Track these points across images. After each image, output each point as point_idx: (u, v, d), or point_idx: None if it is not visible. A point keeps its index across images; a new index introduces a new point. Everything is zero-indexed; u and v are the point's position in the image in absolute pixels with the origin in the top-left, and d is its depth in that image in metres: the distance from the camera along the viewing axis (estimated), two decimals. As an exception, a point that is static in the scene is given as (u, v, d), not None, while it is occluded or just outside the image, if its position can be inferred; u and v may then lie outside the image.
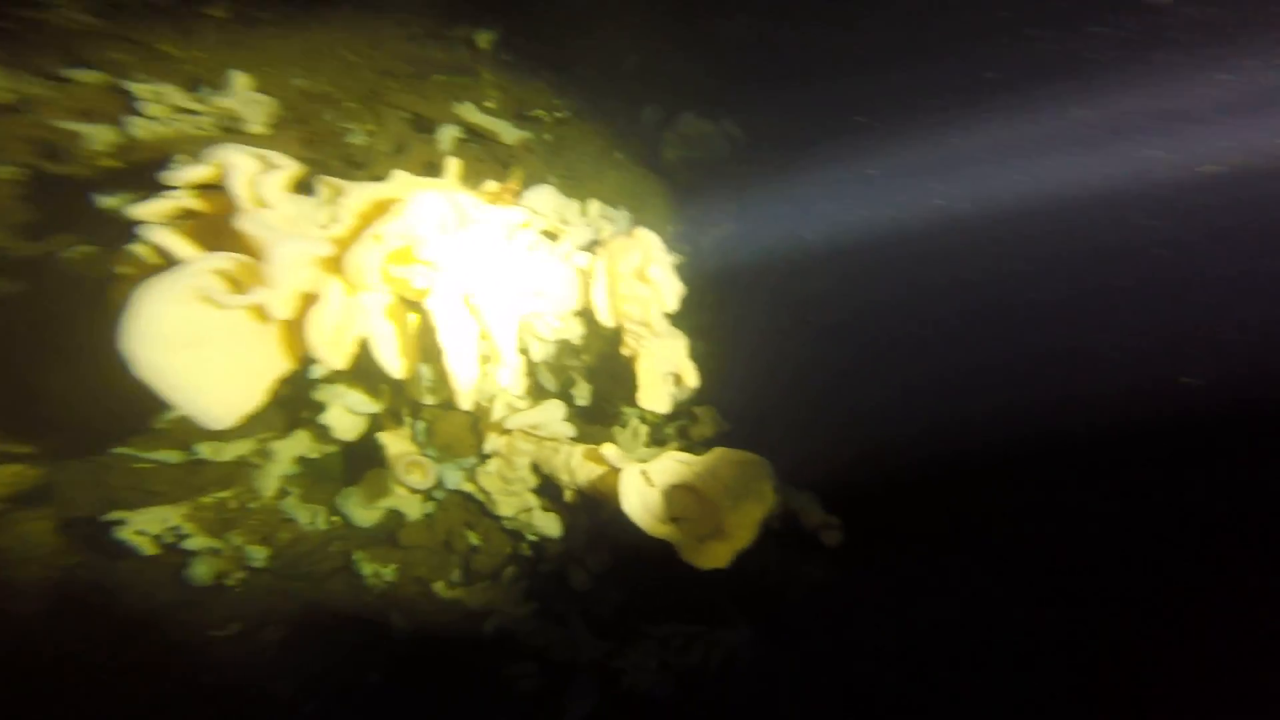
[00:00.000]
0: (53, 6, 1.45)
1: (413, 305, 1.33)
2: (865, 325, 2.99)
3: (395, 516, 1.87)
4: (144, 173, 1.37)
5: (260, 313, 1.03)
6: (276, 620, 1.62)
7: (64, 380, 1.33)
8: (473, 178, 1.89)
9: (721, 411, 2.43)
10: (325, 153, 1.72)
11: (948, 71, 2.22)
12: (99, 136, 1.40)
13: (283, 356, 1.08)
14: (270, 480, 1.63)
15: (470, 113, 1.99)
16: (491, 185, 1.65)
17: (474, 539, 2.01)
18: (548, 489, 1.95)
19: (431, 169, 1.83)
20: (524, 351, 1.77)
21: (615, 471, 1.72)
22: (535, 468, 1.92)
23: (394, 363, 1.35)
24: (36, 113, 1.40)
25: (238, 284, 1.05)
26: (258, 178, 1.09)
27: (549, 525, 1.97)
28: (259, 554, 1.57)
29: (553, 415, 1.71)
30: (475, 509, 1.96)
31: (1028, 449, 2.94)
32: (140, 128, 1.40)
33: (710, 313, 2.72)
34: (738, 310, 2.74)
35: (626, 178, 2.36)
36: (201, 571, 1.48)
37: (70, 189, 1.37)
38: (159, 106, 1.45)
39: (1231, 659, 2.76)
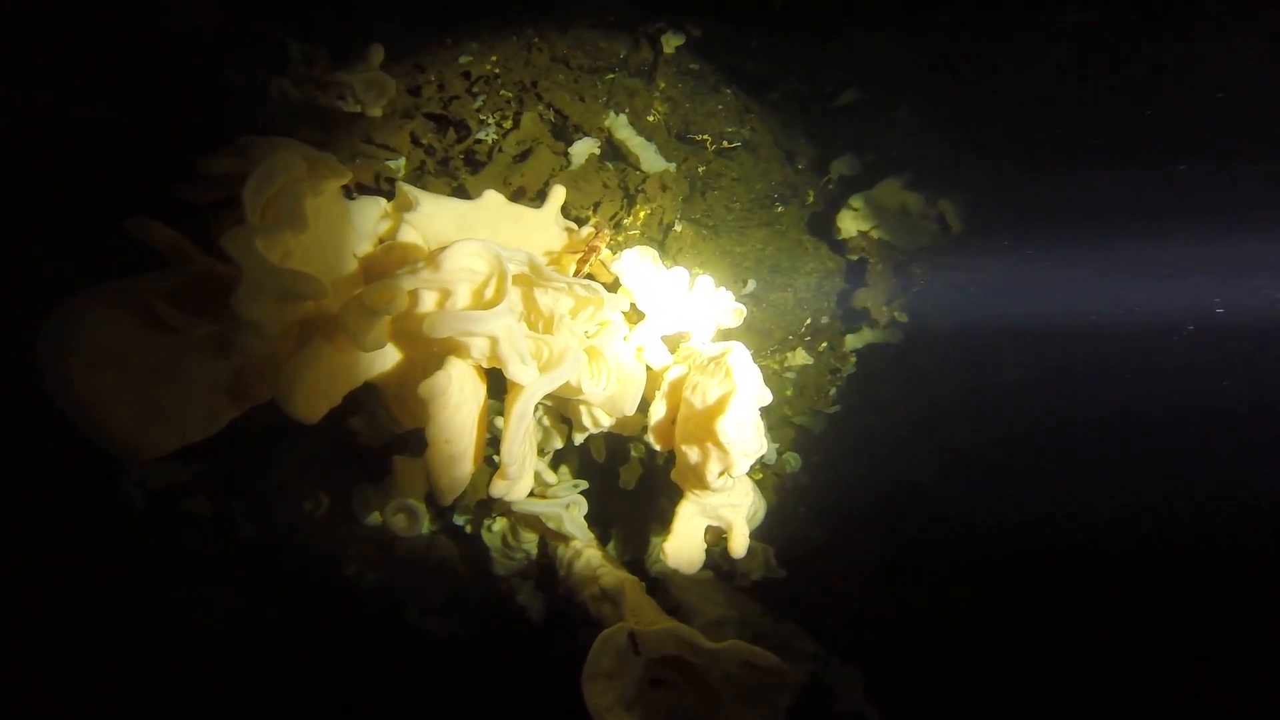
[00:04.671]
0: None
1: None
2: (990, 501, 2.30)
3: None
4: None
5: (218, 346, 0.87)
6: (247, 594, 1.63)
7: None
8: (583, 209, 1.63)
9: (780, 551, 1.98)
10: (448, 145, 1.56)
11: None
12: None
13: (238, 396, 0.93)
14: (293, 459, 1.60)
15: (620, 126, 1.71)
16: (585, 234, 1.36)
17: (466, 577, 1.86)
18: (548, 568, 1.72)
19: (539, 192, 1.60)
20: (559, 427, 1.51)
21: (608, 603, 1.42)
22: (542, 544, 1.69)
23: (393, 422, 1.17)
24: (221, 59, 1.37)
25: (216, 302, 0.90)
26: (285, 186, 0.92)
27: (535, 603, 1.74)
28: (249, 529, 1.56)
29: (566, 515, 1.44)
30: (472, 554, 1.80)
31: None
32: (275, 89, 1.33)
33: (818, 425, 2.22)
34: (851, 440, 2.21)
35: (777, 243, 1.92)
36: (188, 537, 1.51)
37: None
38: (303, 69, 1.36)
39: None
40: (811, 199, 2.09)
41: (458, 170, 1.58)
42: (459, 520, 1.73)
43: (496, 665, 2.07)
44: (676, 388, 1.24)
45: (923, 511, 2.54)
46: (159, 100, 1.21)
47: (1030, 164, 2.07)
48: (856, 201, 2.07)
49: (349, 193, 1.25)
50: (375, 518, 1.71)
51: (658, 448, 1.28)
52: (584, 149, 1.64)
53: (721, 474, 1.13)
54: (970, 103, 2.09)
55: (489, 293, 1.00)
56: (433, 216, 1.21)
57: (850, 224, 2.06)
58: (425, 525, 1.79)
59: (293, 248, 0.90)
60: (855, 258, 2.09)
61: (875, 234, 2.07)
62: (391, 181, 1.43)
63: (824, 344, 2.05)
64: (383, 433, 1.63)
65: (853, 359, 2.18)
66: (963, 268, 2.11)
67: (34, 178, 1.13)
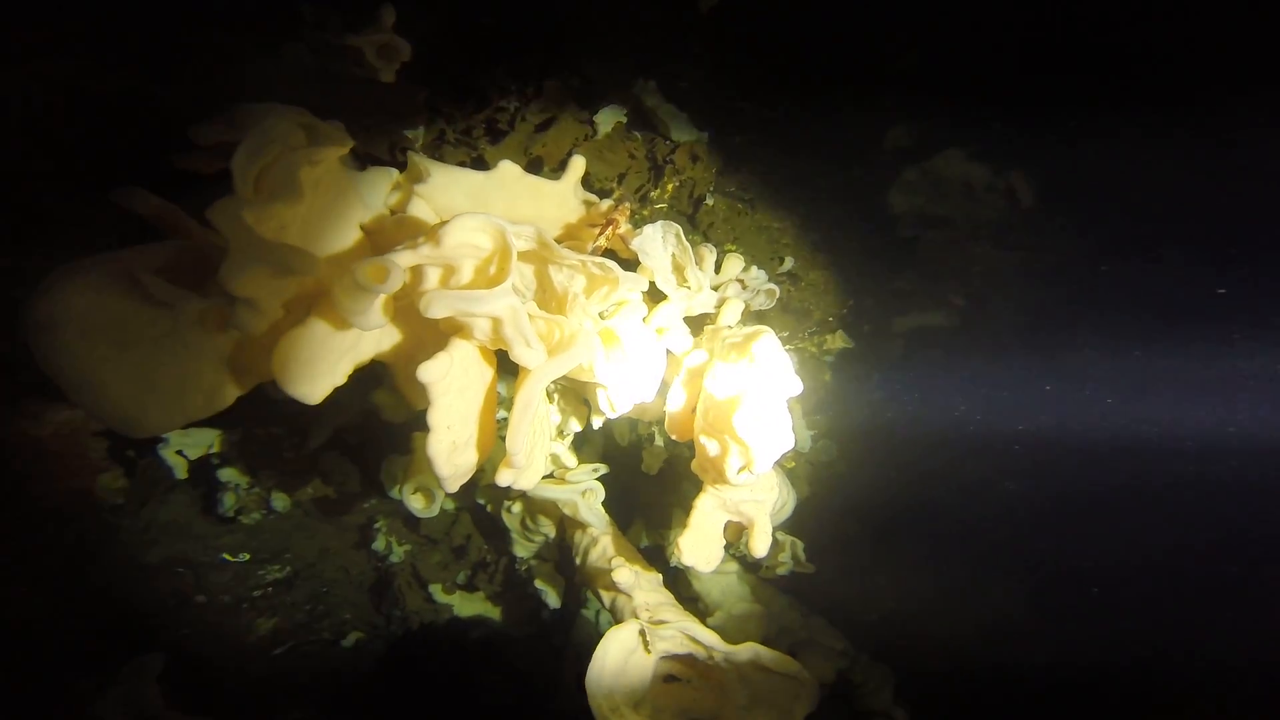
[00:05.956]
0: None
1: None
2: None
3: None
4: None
5: (215, 321, 0.85)
6: (279, 560, 1.69)
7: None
8: (607, 180, 1.54)
9: (812, 544, 1.88)
10: (469, 113, 1.49)
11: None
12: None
13: (241, 373, 0.91)
14: (324, 430, 1.62)
15: (650, 93, 1.59)
16: (605, 207, 1.28)
17: (489, 556, 1.86)
18: (565, 553, 1.69)
19: (562, 163, 1.51)
20: (579, 408, 1.45)
21: (622, 595, 1.37)
22: (561, 526, 1.66)
23: (407, 404, 1.13)
24: (233, 23, 1.34)
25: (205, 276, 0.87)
26: (280, 155, 0.87)
27: (553, 588, 1.72)
28: (280, 501, 1.60)
29: (582, 501, 1.39)
30: (494, 532, 1.79)
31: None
32: (288, 54, 1.28)
33: (857, 412, 2.08)
34: (895, 422, 2.05)
35: (819, 218, 1.77)
36: (228, 503, 1.57)
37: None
38: (316, 33, 1.31)
39: None
40: (861, 170, 1.91)
41: (478, 139, 1.51)
42: (480, 500, 1.72)
43: (515, 648, 2.08)
44: (697, 375, 1.15)
45: (968, 508, 2.38)
46: (169, 67, 1.19)
47: (1133, 132, 1.79)
48: (911, 173, 1.88)
49: (362, 163, 1.21)
50: (397, 492, 1.72)
51: (674, 438, 1.21)
52: (610, 117, 1.54)
53: (742, 470, 1.05)
54: (1035, 62, 1.82)
55: (493, 270, 0.94)
56: (445, 188, 1.16)
57: (903, 197, 1.88)
58: (446, 504, 1.80)
59: (288, 220, 0.86)
60: (907, 234, 1.91)
61: (931, 208, 1.88)
62: (406, 151, 1.38)
63: (867, 326, 1.90)
64: (406, 409, 1.62)
65: (899, 343, 2.02)
66: (1030, 247, 1.90)
67: (41, 148, 1.13)
